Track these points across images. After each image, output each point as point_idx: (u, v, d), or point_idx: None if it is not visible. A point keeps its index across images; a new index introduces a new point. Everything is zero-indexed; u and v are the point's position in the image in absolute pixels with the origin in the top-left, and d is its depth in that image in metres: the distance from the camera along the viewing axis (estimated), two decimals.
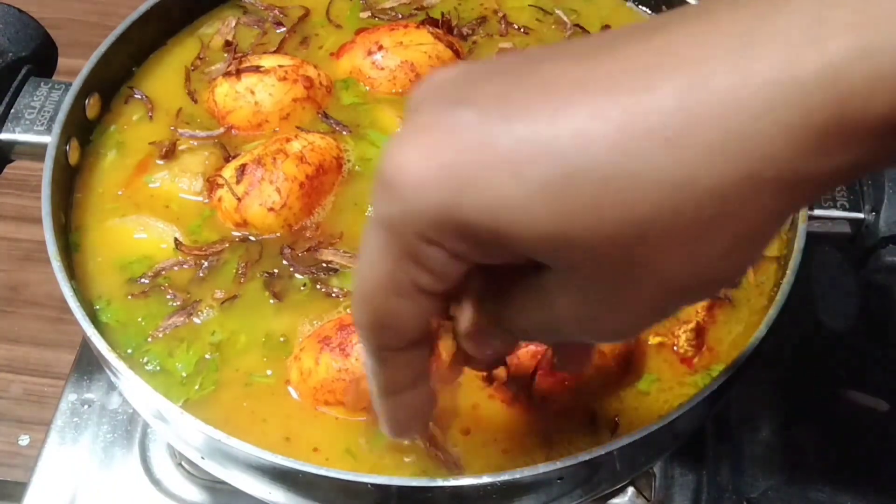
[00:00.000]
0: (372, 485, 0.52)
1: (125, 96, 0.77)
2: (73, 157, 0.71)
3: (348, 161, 0.72)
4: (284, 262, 0.67)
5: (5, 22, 0.74)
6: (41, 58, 0.76)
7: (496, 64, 0.32)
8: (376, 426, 0.59)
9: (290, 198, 0.67)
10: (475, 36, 0.81)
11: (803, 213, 0.64)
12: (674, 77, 0.28)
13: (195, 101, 0.77)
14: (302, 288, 0.66)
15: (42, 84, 0.73)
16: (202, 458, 0.60)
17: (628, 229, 0.29)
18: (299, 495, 0.57)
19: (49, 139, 0.68)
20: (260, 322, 0.64)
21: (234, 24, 0.82)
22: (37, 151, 0.69)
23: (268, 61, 0.75)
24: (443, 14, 0.82)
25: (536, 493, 0.55)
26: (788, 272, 0.62)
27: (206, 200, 0.70)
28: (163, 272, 0.67)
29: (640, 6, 0.84)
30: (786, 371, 0.81)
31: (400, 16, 0.83)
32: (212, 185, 0.70)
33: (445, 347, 0.39)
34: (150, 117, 0.76)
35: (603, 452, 0.53)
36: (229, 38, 0.81)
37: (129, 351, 0.63)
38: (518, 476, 0.52)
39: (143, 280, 0.66)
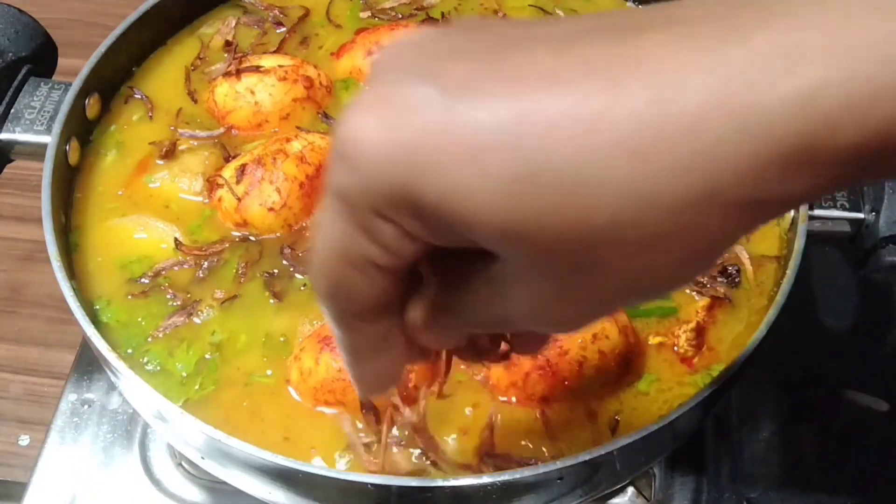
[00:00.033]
0: (372, 485, 0.52)
1: (125, 96, 0.77)
2: (73, 157, 0.71)
3: None
4: (284, 262, 0.67)
5: (5, 22, 0.74)
6: (41, 58, 0.76)
7: (466, 38, 0.31)
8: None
9: (290, 198, 0.67)
10: None
11: (803, 213, 0.64)
12: (645, 88, 0.27)
13: (195, 101, 0.77)
14: (302, 288, 0.66)
15: (42, 84, 0.73)
16: (202, 458, 0.60)
17: (586, 234, 0.29)
18: (299, 495, 0.57)
19: (49, 139, 0.68)
20: (260, 322, 0.64)
21: (234, 24, 0.82)
22: (37, 151, 0.69)
23: (268, 61, 0.75)
24: (443, 14, 0.82)
25: (536, 492, 0.55)
26: (788, 272, 0.62)
27: (206, 200, 0.70)
28: (163, 272, 0.67)
29: (639, 6, 0.84)
30: (786, 371, 0.81)
31: (400, 16, 0.83)
32: (212, 185, 0.70)
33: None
34: (150, 117, 0.76)
35: (603, 452, 0.53)
36: (229, 38, 0.81)
37: (129, 351, 0.63)
38: (518, 476, 0.52)
39: (143, 280, 0.66)
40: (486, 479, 0.52)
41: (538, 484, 0.54)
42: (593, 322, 0.35)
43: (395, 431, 0.59)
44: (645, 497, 0.74)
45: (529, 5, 0.84)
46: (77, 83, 0.71)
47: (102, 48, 0.74)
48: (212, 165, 0.72)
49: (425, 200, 0.29)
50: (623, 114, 0.27)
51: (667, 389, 0.62)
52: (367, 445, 0.59)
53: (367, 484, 0.52)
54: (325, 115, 0.75)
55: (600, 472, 0.57)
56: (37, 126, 0.71)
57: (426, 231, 0.31)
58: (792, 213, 0.65)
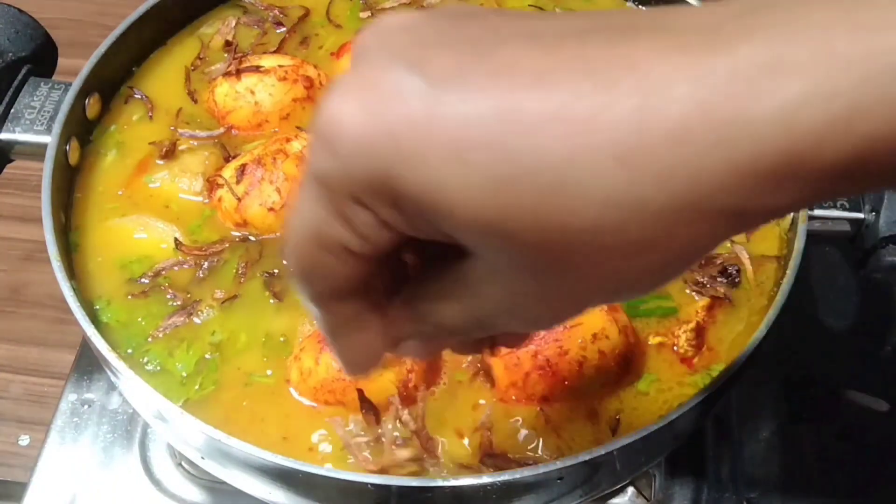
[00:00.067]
0: (372, 485, 0.52)
1: (125, 96, 0.77)
2: (73, 157, 0.71)
3: None
4: (284, 261, 0.67)
5: (5, 22, 0.74)
6: (41, 58, 0.76)
7: (454, 26, 0.31)
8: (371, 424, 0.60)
9: (290, 198, 0.67)
10: None
11: (803, 213, 0.64)
12: (633, 95, 0.27)
13: (195, 101, 0.77)
14: None
15: (42, 84, 0.73)
16: (202, 458, 0.60)
17: (566, 236, 0.29)
18: (299, 495, 0.57)
19: (49, 139, 0.68)
20: (260, 322, 0.64)
21: (234, 24, 0.82)
22: (37, 151, 0.69)
23: (268, 61, 0.75)
24: None
25: (536, 492, 0.55)
26: (788, 272, 0.62)
27: (206, 200, 0.70)
28: (163, 272, 0.67)
29: (639, 6, 0.84)
30: (786, 371, 0.81)
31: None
32: (212, 185, 0.70)
33: None
34: (150, 117, 0.76)
35: (603, 452, 0.53)
36: (229, 38, 0.81)
37: (129, 351, 0.63)
38: (518, 476, 0.52)
39: (143, 280, 0.66)
40: (486, 479, 0.52)
41: (538, 484, 0.54)
42: (565, 321, 0.35)
43: (394, 432, 0.59)
44: (645, 497, 0.74)
45: (529, 5, 0.84)
46: (77, 83, 0.71)
47: (102, 48, 0.74)
48: (212, 165, 0.72)
49: (405, 191, 0.29)
50: (610, 119, 0.27)
51: (667, 389, 0.62)
52: (366, 445, 0.59)
53: (367, 484, 0.53)
54: None
55: (600, 472, 0.57)
56: (37, 126, 0.71)
57: (403, 221, 0.31)
58: (792, 213, 0.65)
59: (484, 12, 0.32)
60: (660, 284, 0.32)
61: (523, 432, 0.60)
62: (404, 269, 0.37)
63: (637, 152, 0.27)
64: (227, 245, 0.68)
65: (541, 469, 0.53)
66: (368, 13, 0.84)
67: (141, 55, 0.79)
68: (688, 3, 0.79)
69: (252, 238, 0.68)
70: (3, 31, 0.74)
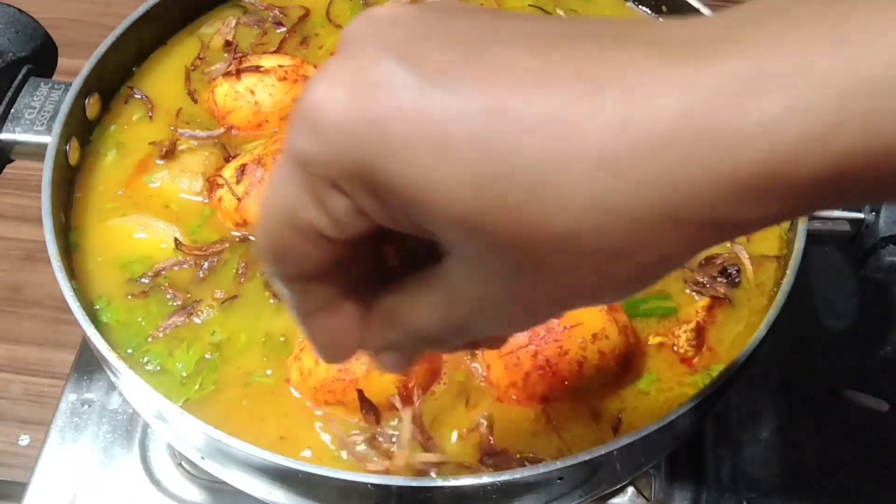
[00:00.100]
0: (372, 485, 0.52)
1: (125, 96, 0.77)
2: (73, 157, 0.71)
3: None
4: (252, 238, 0.67)
5: (5, 22, 0.74)
6: (41, 58, 0.76)
7: (445, 23, 0.31)
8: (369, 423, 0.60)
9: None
10: None
11: None
12: (619, 103, 0.28)
13: (195, 101, 0.77)
14: None
15: (42, 84, 0.73)
16: (202, 458, 0.60)
17: (545, 238, 0.29)
18: (299, 495, 0.57)
19: (49, 139, 0.68)
20: (260, 322, 0.64)
21: (234, 24, 0.82)
22: (37, 151, 0.69)
23: (268, 61, 0.75)
24: None
25: (536, 492, 0.55)
26: (788, 272, 0.62)
27: (206, 200, 0.70)
28: (163, 272, 0.67)
29: (640, 6, 0.84)
30: (786, 371, 0.81)
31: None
32: (212, 185, 0.70)
33: None
34: (150, 117, 0.76)
35: (603, 452, 0.53)
36: (229, 38, 0.81)
37: (129, 351, 0.63)
38: (518, 476, 0.52)
39: (143, 280, 0.66)
40: (486, 479, 0.52)
41: (538, 484, 0.54)
42: (538, 325, 0.35)
43: (392, 430, 0.59)
44: (645, 497, 0.74)
45: (529, 5, 0.84)
46: (77, 83, 0.71)
47: (102, 48, 0.74)
48: (212, 165, 0.72)
49: (387, 181, 0.29)
50: (596, 125, 0.28)
51: (667, 389, 0.62)
52: (362, 444, 0.59)
53: (366, 484, 0.53)
54: None
55: (600, 472, 0.57)
56: (37, 126, 0.71)
57: (381, 210, 0.31)
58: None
59: (475, 11, 0.32)
60: (636, 290, 0.32)
61: (523, 432, 0.60)
62: (384, 265, 0.37)
63: (620, 159, 0.27)
64: (227, 245, 0.68)
65: (541, 469, 0.53)
66: None
67: (141, 55, 0.79)
68: (688, 2, 0.79)
69: (252, 238, 0.68)
70: (3, 31, 0.74)
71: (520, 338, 0.60)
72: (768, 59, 0.27)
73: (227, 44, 0.81)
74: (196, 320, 0.64)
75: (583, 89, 0.28)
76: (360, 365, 0.59)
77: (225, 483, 0.62)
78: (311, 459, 0.58)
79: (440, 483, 0.53)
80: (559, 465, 0.53)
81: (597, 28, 0.30)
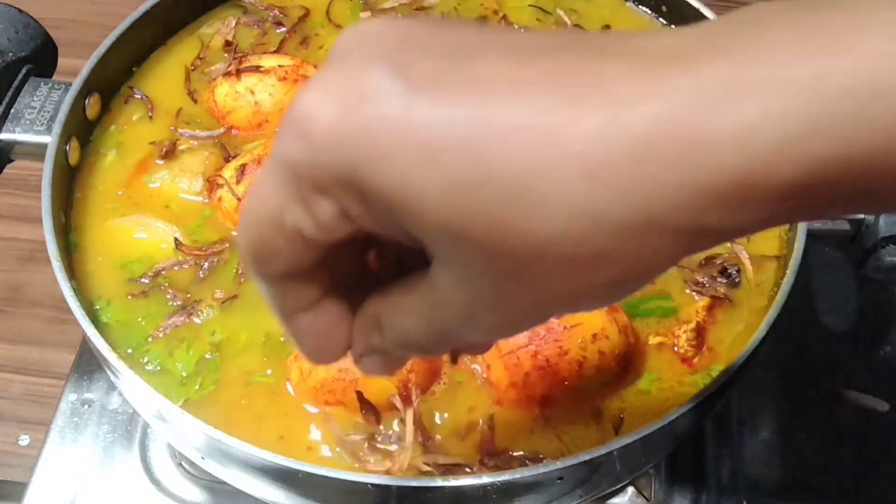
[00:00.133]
0: (372, 485, 0.53)
1: (125, 96, 0.77)
2: (73, 157, 0.71)
3: None
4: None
5: (5, 22, 0.74)
6: (41, 58, 0.76)
7: (434, 37, 0.31)
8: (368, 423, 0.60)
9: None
10: None
11: None
12: (601, 110, 0.28)
13: (195, 101, 0.77)
14: None
15: (42, 84, 0.73)
16: (202, 458, 0.60)
17: (528, 245, 0.29)
18: (299, 495, 0.57)
19: (49, 139, 0.68)
20: (260, 321, 0.64)
21: (234, 24, 0.82)
22: (37, 151, 0.69)
23: (268, 61, 0.75)
24: (443, 14, 0.82)
25: (536, 492, 0.55)
26: (788, 272, 0.62)
27: (206, 200, 0.70)
28: (163, 272, 0.67)
29: (640, 6, 0.84)
30: (786, 371, 0.81)
31: (400, 16, 0.83)
32: (212, 185, 0.70)
33: None
34: (150, 117, 0.76)
35: (603, 452, 0.53)
36: (229, 38, 0.81)
37: (129, 351, 0.63)
38: (518, 476, 0.52)
39: (143, 280, 0.66)
40: (486, 479, 0.52)
41: (538, 484, 0.54)
42: (522, 331, 0.35)
43: (392, 430, 0.59)
44: (645, 497, 0.74)
45: (530, 5, 0.84)
46: (77, 83, 0.71)
47: (102, 48, 0.74)
48: (212, 165, 0.72)
49: (373, 186, 0.30)
50: (578, 132, 0.28)
51: (667, 389, 0.62)
52: (371, 446, 0.59)
53: (366, 484, 0.53)
54: None
55: (600, 472, 0.57)
56: (37, 126, 0.71)
57: (367, 215, 0.31)
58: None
59: (462, 25, 0.33)
60: (618, 298, 0.32)
61: (523, 432, 0.60)
62: (370, 270, 0.37)
63: (600, 166, 0.28)
64: (227, 245, 0.68)
65: (541, 469, 0.53)
66: (368, 13, 0.84)
67: (141, 55, 0.79)
68: (688, 3, 0.79)
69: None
70: (3, 31, 0.74)
71: (520, 338, 0.60)
72: (745, 67, 0.27)
73: (227, 44, 0.81)
74: (196, 320, 0.64)
75: (563, 97, 0.28)
76: None
77: (225, 483, 0.62)
78: (311, 459, 0.58)
79: (440, 483, 0.53)
80: (559, 465, 0.53)
81: (580, 40, 0.31)
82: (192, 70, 0.79)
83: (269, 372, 0.62)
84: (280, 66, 0.74)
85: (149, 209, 0.70)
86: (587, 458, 0.53)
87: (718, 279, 0.66)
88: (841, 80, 0.26)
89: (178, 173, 0.71)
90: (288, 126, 0.31)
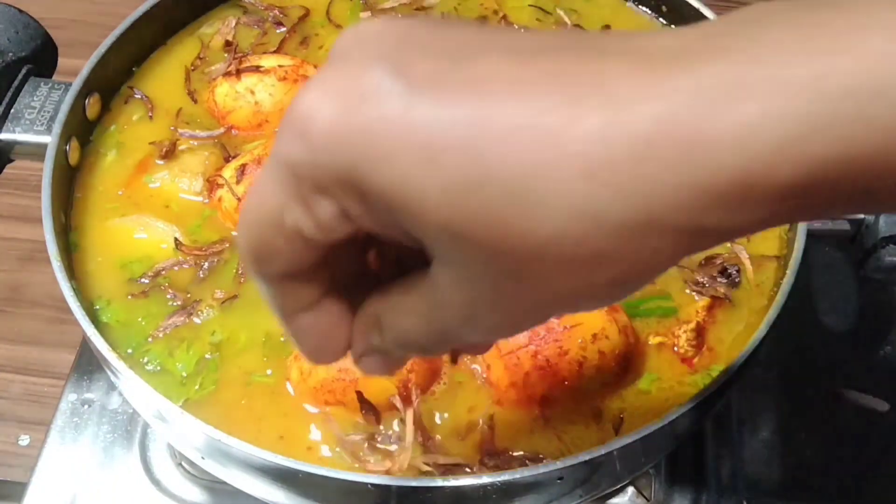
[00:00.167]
0: (372, 485, 0.52)
1: (125, 96, 0.77)
2: (73, 157, 0.71)
3: None
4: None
5: (5, 22, 0.74)
6: (41, 58, 0.76)
7: (434, 37, 0.31)
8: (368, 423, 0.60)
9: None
10: None
11: None
12: (601, 110, 0.28)
13: (195, 101, 0.77)
14: None
15: (42, 84, 0.73)
16: (202, 457, 0.60)
17: (528, 245, 0.29)
18: (299, 495, 0.57)
19: (49, 139, 0.68)
20: (260, 321, 0.64)
21: (234, 24, 0.82)
22: (37, 151, 0.69)
23: (268, 61, 0.75)
24: (443, 14, 0.82)
25: (536, 492, 0.55)
26: (788, 272, 0.62)
27: (206, 200, 0.70)
28: (163, 272, 0.67)
29: (640, 6, 0.84)
30: (786, 371, 0.81)
31: (400, 16, 0.83)
32: (212, 185, 0.70)
33: None
34: (150, 117, 0.76)
35: (603, 452, 0.53)
36: (229, 38, 0.81)
37: (129, 351, 0.63)
38: (518, 476, 0.52)
39: (143, 280, 0.66)
40: (486, 479, 0.52)
41: (538, 484, 0.54)
42: (522, 331, 0.35)
43: (392, 430, 0.59)
44: (645, 497, 0.74)
45: (530, 5, 0.84)
46: (77, 83, 0.71)
47: (102, 48, 0.74)
48: (212, 165, 0.72)
49: (373, 186, 0.30)
50: (578, 132, 0.28)
51: (667, 389, 0.62)
52: (371, 446, 0.59)
53: (366, 484, 0.53)
54: None
55: (600, 472, 0.57)
56: (37, 126, 0.71)
57: (367, 214, 0.31)
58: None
59: (462, 25, 0.33)
60: (618, 298, 0.32)
61: (523, 432, 0.60)
62: (371, 270, 0.37)
63: (600, 166, 0.28)
64: (227, 245, 0.68)
65: (541, 469, 0.53)
66: (368, 13, 0.84)
67: (141, 55, 0.79)
68: (688, 3, 0.79)
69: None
70: (3, 31, 0.74)
71: (520, 338, 0.60)
72: (744, 67, 0.27)
73: (227, 44, 0.81)
74: (196, 320, 0.64)
75: (563, 97, 0.28)
76: None
77: (225, 483, 0.62)
78: (311, 459, 0.58)
79: (440, 483, 0.53)
80: (559, 465, 0.53)
81: (580, 40, 0.31)
82: (192, 70, 0.79)
83: (269, 372, 0.62)
84: (280, 66, 0.74)
85: (149, 209, 0.70)
86: (587, 458, 0.53)
87: (718, 279, 0.66)
88: (841, 80, 0.26)
89: (178, 173, 0.71)
90: (288, 126, 0.31)
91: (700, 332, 0.64)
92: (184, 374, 0.62)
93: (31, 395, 0.96)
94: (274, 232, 0.33)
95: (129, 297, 0.66)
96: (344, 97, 0.30)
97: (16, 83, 0.73)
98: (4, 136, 0.71)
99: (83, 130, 0.73)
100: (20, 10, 0.76)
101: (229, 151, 0.73)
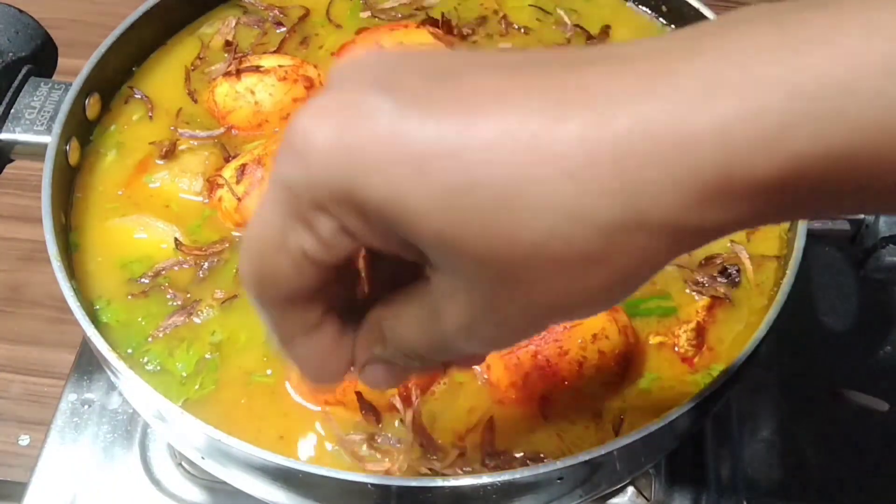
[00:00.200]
0: (372, 485, 0.53)
1: (125, 96, 0.77)
2: (73, 157, 0.71)
3: None
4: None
5: (5, 22, 0.74)
6: (41, 58, 0.76)
7: (426, 62, 0.33)
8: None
9: None
10: (475, 36, 0.81)
11: None
12: (582, 113, 0.29)
13: (195, 101, 0.77)
14: None
15: (42, 84, 0.73)
16: (202, 457, 0.60)
17: (517, 249, 0.30)
18: (299, 495, 0.57)
19: (49, 139, 0.68)
20: (260, 321, 0.64)
21: (234, 23, 0.82)
22: (37, 151, 0.69)
23: (268, 61, 0.75)
24: (443, 14, 0.82)
25: (536, 492, 0.55)
26: (788, 272, 0.62)
27: (206, 200, 0.70)
28: (163, 272, 0.67)
29: (640, 6, 0.84)
30: (786, 371, 0.81)
31: (400, 16, 0.83)
32: (212, 185, 0.70)
33: None
34: (150, 117, 0.76)
35: (603, 452, 0.53)
36: (229, 37, 0.81)
37: (129, 351, 0.63)
38: (518, 476, 0.52)
39: (143, 280, 0.66)
40: (486, 479, 0.52)
41: (538, 484, 0.54)
42: (520, 342, 0.36)
43: (392, 430, 0.59)
44: (645, 497, 0.74)
45: (530, 5, 0.84)
46: (77, 83, 0.71)
47: (102, 48, 0.74)
48: (212, 165, 0.72)
49: (368, 201, 0.30)
50: (560, 136, 0.29)
51: (667, 388, 0.62)
52: (371, 446, 0.59)
53: (366, 484, 0.53)
54: None
55: (600, 472, 0.57)
56: (37, 126, 0.71)
57: (366, 229, 0.32)
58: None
59: (454, 52, 0.35)
60: (611, 302, 0.33)
61: (523, 432, 0.60)
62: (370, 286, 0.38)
63: (585, 167, 0.28)
64: (227, 245, 0.68)
65: (541, 469, 0.53)
66: (368, 13, 0.84)
67: (141, 55, 0.79)
68: (688, 3, 0.79)
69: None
70: (3, 31, 0.74)
71: None
72: (721, 67, 0.28)
73: (227, 44, 0.81)
74: (196, 320, 0.64)
75: (545, 103, 0.29)
76: None
77: (225, 483, 0.62)
78: (311, 459, 0.58)
79: (440, 483, 0.53)
80: (559, 465, 0.53)
81: (565, 55, 0.32)
82: (192, 70, 0.79)
83: (269, 372, 0.62)
84: (280, 66, 0.74)
85: (149, 209, 0.70)
86: (587, 458, 0.53)
87: (718, 279, 0.66)
88: (816, 77, 0.27)
89: (178, 173, 0.72)
90: (285, 148, 0.32)
91: (700, 332, 0.64)
92: (184, 373, 0.62)
93: (31, 395, 0.96)
94: (278, 254, 0.33)
95: (129, 297, 0.66)
96: (338, 118, 0.31)
97: (16, 83, 0.73)
98: (4, 136, 0.71)
99: (83, 130, 0.73)
100: (20, 10, 0.76)
101: (229, 151, 0.73)
